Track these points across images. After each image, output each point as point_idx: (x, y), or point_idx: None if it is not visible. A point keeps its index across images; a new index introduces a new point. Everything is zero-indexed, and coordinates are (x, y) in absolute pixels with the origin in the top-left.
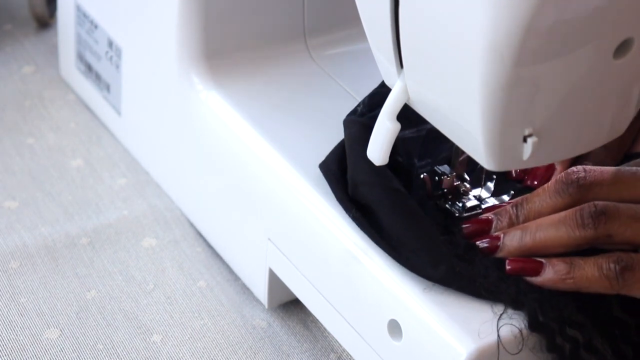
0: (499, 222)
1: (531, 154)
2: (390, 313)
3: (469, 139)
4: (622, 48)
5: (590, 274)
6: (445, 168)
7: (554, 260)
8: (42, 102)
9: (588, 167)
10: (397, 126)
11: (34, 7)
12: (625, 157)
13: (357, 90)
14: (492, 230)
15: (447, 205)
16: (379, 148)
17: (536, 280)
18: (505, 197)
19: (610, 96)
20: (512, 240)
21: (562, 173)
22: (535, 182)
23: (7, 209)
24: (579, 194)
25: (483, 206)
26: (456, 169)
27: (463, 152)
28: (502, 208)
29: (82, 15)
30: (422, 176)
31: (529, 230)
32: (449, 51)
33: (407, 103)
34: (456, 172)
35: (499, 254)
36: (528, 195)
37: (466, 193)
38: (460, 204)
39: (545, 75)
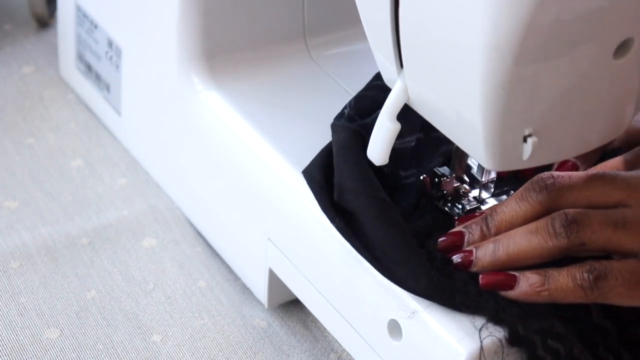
0: (471, 236)
1: (531, 153)
2: (390, 313)
3: (469, 138)
4: (622, 48)
5: (565, 285)
6: (444, 170)
7: (528, 273)
8: (42, 102)
9: (556, 173)
10: (397, 126)
11: (33, 7)
12: (603, 154)
13: (357, 90)
14: (465, 244)
15: (446, 208)
16: (379, 148)
17: (510, 294)
18: (505, 198)
19: (611, 96)
20: (484, 255)
21: (529, 181)
22: None
23: (7, 209)
24: (548, 200)
25: (483, 207)
26: (456, 170)
27: (463, 153)
28: (473, 220)
29: (82, 15)
30: (421, 177)
31: (501, 243)
32: (449, 51)
33: (407, 103)
34: (456, 174)
35: (473, 269)
36: (497, 205)
37: (466, 195)
38: (460, 206)
39: (545, 75)
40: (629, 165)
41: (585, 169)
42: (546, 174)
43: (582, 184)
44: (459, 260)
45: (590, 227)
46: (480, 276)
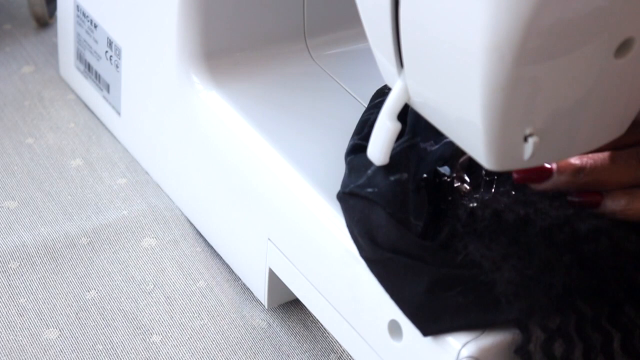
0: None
1: (532, 153)
2: (390, 313)
3: (469, 138)
4: (623, 47)
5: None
6: (445, 169)
7: (615, 193)
8: (42, 102)
9: None
10: (398, 126)
11: (33, 6)
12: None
13: (357, 90)
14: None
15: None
16: (379, 148)
17: (596, 210)
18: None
19: (611, 96)
20: (565, 171)
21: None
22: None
23: (7, 209)
24: None
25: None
26: (456, 170)
27: (463, 153)
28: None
29: (81, 15)
30: (422, 177)
31: (585, 162)
32: (450, 51)
33: (408, 103)
34: (456, 174)
35: (549, 184)
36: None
37: (466, 194)
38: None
39: (546, 75)
40: None
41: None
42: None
43: None
44: (537, 173)
45: None
46: (568, 199)
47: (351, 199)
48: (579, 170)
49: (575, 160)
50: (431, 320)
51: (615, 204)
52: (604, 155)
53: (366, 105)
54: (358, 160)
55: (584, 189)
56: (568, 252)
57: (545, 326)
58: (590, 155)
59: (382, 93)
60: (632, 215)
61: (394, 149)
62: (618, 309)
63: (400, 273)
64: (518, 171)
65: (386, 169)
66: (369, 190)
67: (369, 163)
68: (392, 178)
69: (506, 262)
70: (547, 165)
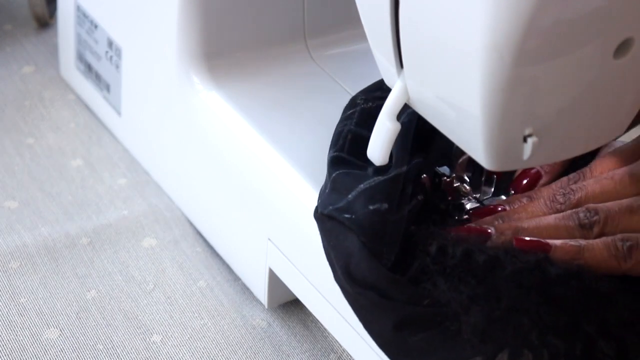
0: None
1: (531, 153)
2: None
3: (468, 138)
4: (623, 48)
5: (599, 254)
6: (445, 169)
7: (560, 242)
8: (42, 102)
9: (573, 186)
10: (397, 126)
11: (34, 7)
12: (571, 163)
13: (357, 90)
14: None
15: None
16: (379, 148)
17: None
18: (504, 198)
19: (611, 96)
20: (506, 226)
21: (551, 192)
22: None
23: (7, 209)
24: (568, 209)
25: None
26: (456, 170)
27: (463, 153)
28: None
29: (82, 15)
30: (422, 177)
31: (526, 220)
32: (449, 51)
33: (407, 103)
34: (456, 174)
35: (494, 238)
36: (517, 207)
37: (466, 194)
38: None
39: (545, 75)
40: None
41: (547, 179)
42: (565, 187)
43: (596, 191)
44: (477, 233)
45: (609, 216)
46: (515, 239)
47: (328, 222)
48: (517, 231)
49: (516, 222)
50: (401, 355)
51: (564, 255)
52: (545, 220)
53: None
54: (342, 179)
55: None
56: (537, 294)
57: None
58: (530, 219)
59: (354, 104)
60: (581, 265)
61: (378, 180)
62: (591, 344)
63: (369, 309)
64: (457, 229)
65: (367, 197)
66: (347, 215)
67: (352, 185)
68: (371, 207)
69: (474, 305)
70: (487, 229)
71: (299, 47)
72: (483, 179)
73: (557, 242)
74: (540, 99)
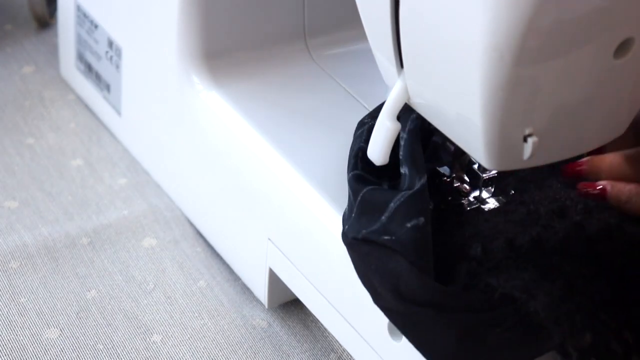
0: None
1: (531, 153)
2: None
3: (469, 138)
4: (623, 48)
5: None
6: (445, 169)
7: (622, 184)
8: (42, 102)
9: None
10: (397, 126)
11: (34, 7)
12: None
13: (357, 90)
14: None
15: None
16: (379, 148)
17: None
18: (504, 198)
19: (611, 96)
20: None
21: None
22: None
23: (7, 209)
24: None
25: (484, 207)
26: (456, 170)
27: (463, 153)
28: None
29: (82, 15)
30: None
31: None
32: (449, 51)
33: (407, 103)
34: (456, 174)
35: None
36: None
37: (466, 194)
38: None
39: (545, 75)
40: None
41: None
42: None
43: None
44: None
45: None
46: (577, 185)
47: (365, 246)
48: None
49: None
50: None
51: (621, 193)
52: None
53: (365, 105)
54: (370, 200)
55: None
56: (585, 262)
57: (580, 347)
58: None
59: (362, 124)
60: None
61: (407, 195)
62: (636, 318)
63: (428, 326)
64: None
65: (402, 214)
66: (387, 237)
67: (383, 204)
68: (409, 224)
69: (539, 288)
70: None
71: (299, 47)
72: (483, 179)
73: (619, 184)
74: (541, 98)
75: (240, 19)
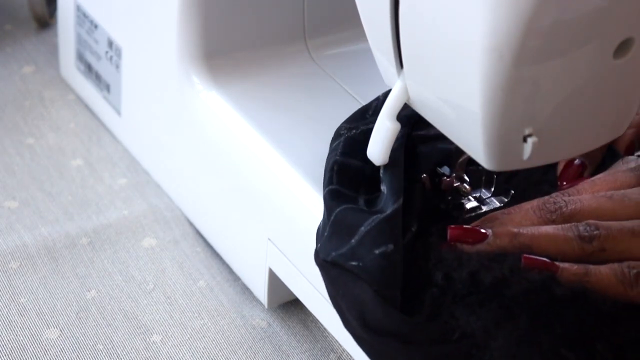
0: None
1: (531, 153)
2: None
3: (468, 138)
4: (622, 48)
5: (607, 279)
6: (445, 169)
7: (568, 264)
8: (42, 102)
9: (567, 198)
10: (397, 126)
11: (34, 7)
12: (608, 150)
13: (357, 91)
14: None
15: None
16: (379, 148)
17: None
18: (504, 198)
19: (611, 96)
20: (503, 232)
21: (540, 201)
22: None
23: (7, 209)
24: (561, 221)
25: (483, 208)
26: (456, 170)
27: (463, 153)
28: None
29: (82, 15)
30: (422, 177)
31: (523, 229)
32: (449, 51)
33: (407, 103)
34: (456, 174)
35: (483, 247)
36: (503, 219)
37: (466, 194)
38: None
39: (545, 75)
40: (635, 182)
41: (591, 170)
42: (556, 197)
43: (593, 206)
44: (472, 235)
45: (610, 234)
46: (523, 256)
47: (333, 269)
48: (515, 235)
49: (512, 228)
50: None
51: (570, 276)
52: (543, 228)
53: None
54: (342, 221)
55: (521, 252)
56: (548, 315)
57: None
58: (529, 226)
59: (339, 135)
60: (588, 286)
61: (378, 219)
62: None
63: (393, 356)
64: (453, 229)
65: (371, 239)
66: (353, 263)
67: (354, 227)
68: (377, 251)
69: (499, 329)
70: (483, 230)
71: (299, 47)
72: (483, 178)
73: (565, 264)
74: (540, 99)
75: (240, 19)
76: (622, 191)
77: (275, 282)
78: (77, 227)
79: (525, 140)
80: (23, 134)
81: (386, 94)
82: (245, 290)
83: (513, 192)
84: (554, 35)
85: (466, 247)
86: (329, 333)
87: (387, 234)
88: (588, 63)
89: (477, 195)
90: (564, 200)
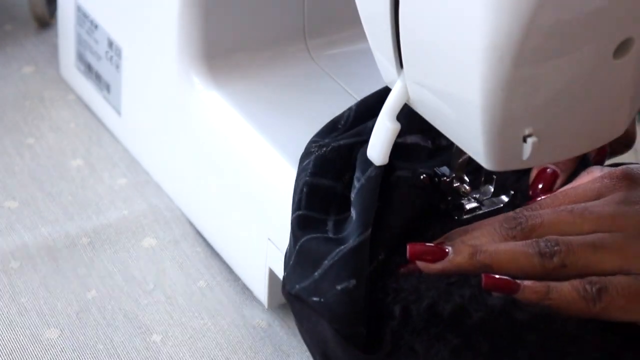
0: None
1: (531, 153)
2: None
3: (468, 138)
4: (622, 48)
5: (569, 295)
6: (444, 170)
7: (529, 282)
8: (42, 102)
9: (527, 213)
10: (397, 126)
11: (34, 7)
12: (582, 159)
13: (357, 90)
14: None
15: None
16: (379, 148)
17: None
18: (505, 198)
19: (610, 96)
20: (462, 252)
21: (502, 217)
22: (540, 186)
23: (8, 209)
24: (522, 236)
25: (483, 208)
26: (456, 170)
27: (463, 153)
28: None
29: (82, 15)
30: (422, 177)
31: (483, 246)
32: (449, 51)
33: (407, 103)
34: (456, 174)
35: (446, 264)
36: (464, 236)
37: (466, 195)
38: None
39: (545, 75)
40: (596, 194)
41: (564, 178)
42: (517, 212)
43: (553, 220)
44: (431, 255)
45: (571, 249)
46: (483, 275)
47: (296, 303)
48: (475, 252)
49: (472, 245)
50: None
51: (532, 294)
52: (503, 245)
53: None
54: (306, 252)
55: (481, 272)
56: (510, 340)
57: None
58: (489, 243)
59: (309, 153)
60: (549, 306)
61: (342, 252)
62: None
63: None
64: (413, 246)
65: (334, 274)
66: (315, 299)
67: (318, 259)
68: (339, 287)
69: (459, 359)
70: (443, 248)
71: (299, 47)
72: (483, 179)
73: (526, 282)
74: (540, 99)
75: (241, 19)
76: (583, 204)
77: (275, 282)
78: (77, 227)
79: (525, 140)
80: (23, 134)
81: (359, 104)
82: (246, 290)
83: (513, 192)
84: (554, 36)
85: (424, 266)
86: None
87: (351, 268)
88: (588, 63)
89: (477, 195)
90: (525, 216)
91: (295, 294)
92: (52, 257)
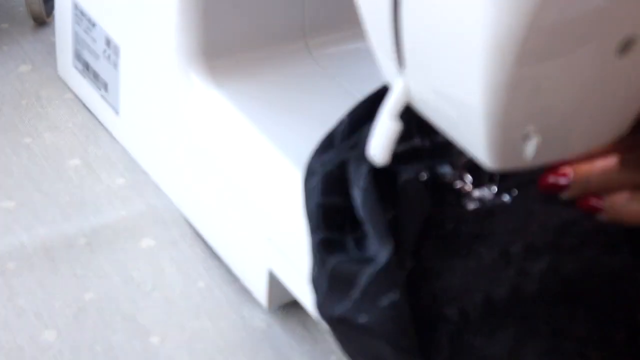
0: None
1: (533, 153)
2: None
3: (470, 138)
4: (626, 46)
5: None
6: (446, 170)
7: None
8: (39, 101)
9: None
10: (399, 125)
11: (31, 5)
12: None
13: (357, 90)
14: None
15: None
16: (380, 148)
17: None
18: (507, 197)
19: (614, 94)
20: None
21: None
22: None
23: (4, 209)
24: None
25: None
26: (458, 169)
27: (464, 153)
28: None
29: (79, 14)
30: (425, 178)
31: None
32: (450, 50)
33: (408, 102)
34: (457, 174)
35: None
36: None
37: (467, 194)
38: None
39: (548, 74)
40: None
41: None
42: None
43: None
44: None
45: None
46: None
47: (341, 326)
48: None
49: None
50: None
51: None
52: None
53: None
54: (339, 272)
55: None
56: (565, 305)
57: None
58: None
59: (313, 172)
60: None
61: (377, 268)
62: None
63: None
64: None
65: (374, 292)
66: (362, 320)
67: (353, 279)
68: (384, 303)
69: (525, 347)
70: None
71: (299, 46)
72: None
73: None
74: (543, 98)
75: (240, 18)
76: None
77: (275, 283)
78: (74, 228)
79: (527, 139)
80: (20, 134)
81: (351, 115)
82: (245, 291)
83: (517, 190)
84: (556, 34)
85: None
86: (329, 334)
87: (390, 281)
88: (591, 61)
89: (479, 195)
90: None
91: (339, 317)
92: (50, 257)
